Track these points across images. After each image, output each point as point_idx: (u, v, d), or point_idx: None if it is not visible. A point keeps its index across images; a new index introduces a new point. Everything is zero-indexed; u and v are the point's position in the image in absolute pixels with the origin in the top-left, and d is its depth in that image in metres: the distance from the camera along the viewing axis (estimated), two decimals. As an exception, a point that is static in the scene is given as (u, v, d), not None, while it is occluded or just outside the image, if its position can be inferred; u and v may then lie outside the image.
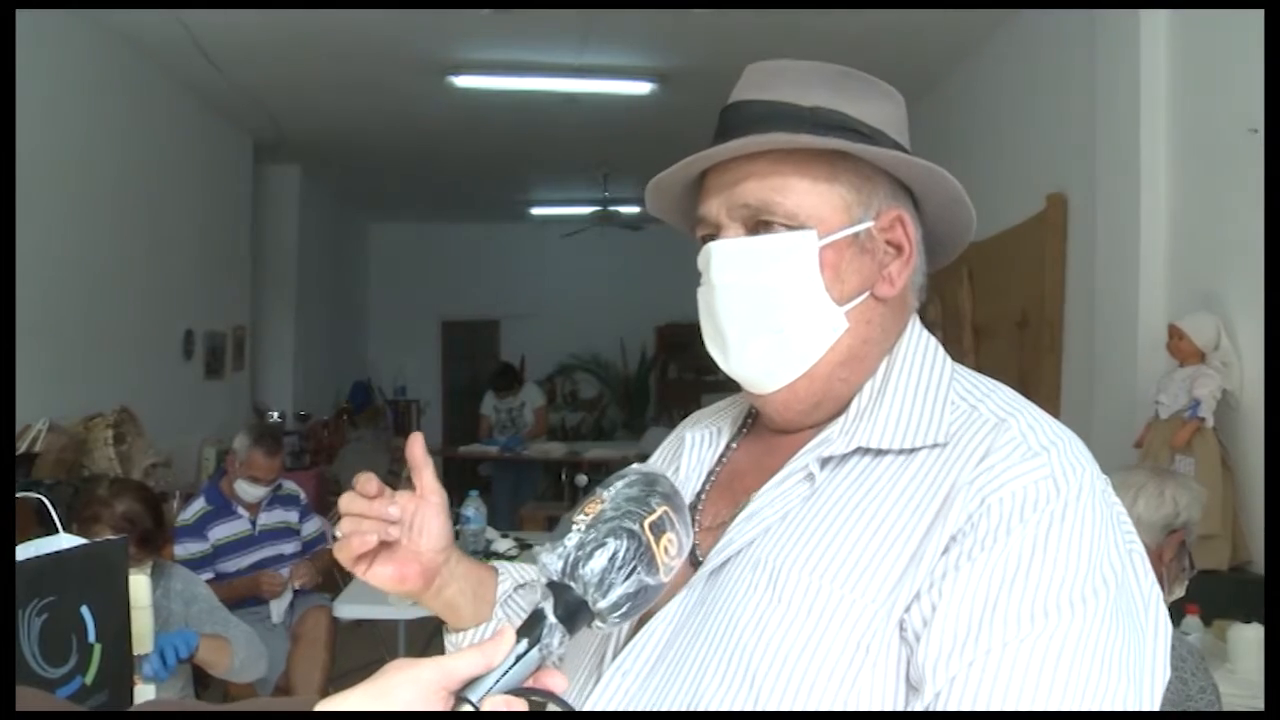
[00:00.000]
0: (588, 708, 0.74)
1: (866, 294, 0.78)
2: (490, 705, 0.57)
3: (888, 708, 0.66)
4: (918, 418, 0.74)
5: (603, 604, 0.63)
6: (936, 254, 0.86)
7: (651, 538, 0.64)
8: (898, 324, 0.81)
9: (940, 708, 0.63)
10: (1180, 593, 1.71)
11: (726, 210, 0.78)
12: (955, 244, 0.86)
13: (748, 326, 0.78)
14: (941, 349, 0.81)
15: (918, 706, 0.64)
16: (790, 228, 0.76)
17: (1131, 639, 0.64)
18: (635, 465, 0.72)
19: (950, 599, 0.64)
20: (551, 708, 0.59)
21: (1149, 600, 0.68)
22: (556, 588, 0.63)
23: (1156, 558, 1.65)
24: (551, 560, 0.63)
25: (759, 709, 0.67)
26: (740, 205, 0.77)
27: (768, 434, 0.84)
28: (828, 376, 0.78)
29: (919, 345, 0.80)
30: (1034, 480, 0.66)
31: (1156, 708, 0.66)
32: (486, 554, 3.23)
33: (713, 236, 0.80)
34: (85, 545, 1.57)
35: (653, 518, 0.65)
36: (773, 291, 0.77)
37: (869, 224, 0.78)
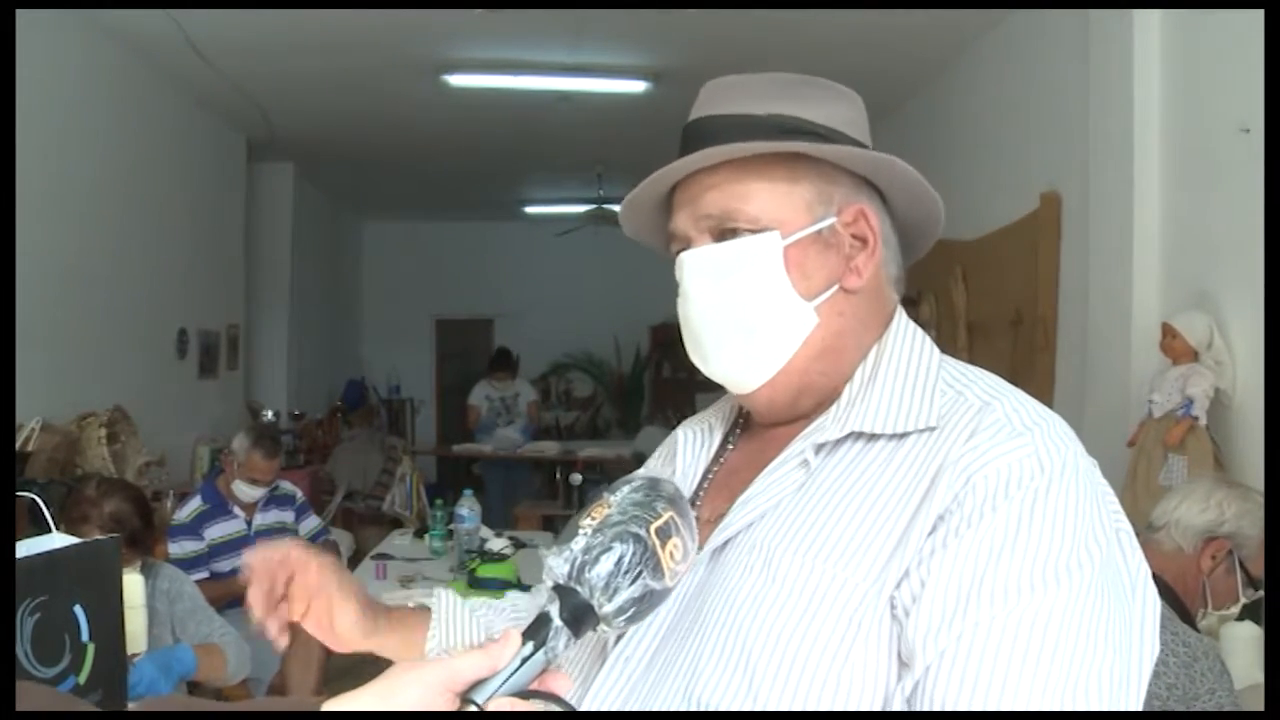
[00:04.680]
0: (591, 695, 0.76)
1: (835, 287, 0.80)
2: (495, 707, 0.58)
3: (880, 683, 0.68)
4: (908, 403, 0.76)
5: (608, 608, 0.63)
6: (912, 247, 0.88)
7: (657, 542, 0.65)
8: (877, 315, 0.83)
9: (931, 681, 0.64)
10: (1235, 609, 1.68)
11: (693, 222, 0.81)
12: (928, 233, 0.88)
13: (722, 329, 0.81)
14: (928, 340, 0.83)
15: (909, 682, 0.66)
16: (754, 231, 0.79)
17: (1117, 612, 0.66)
18: (641, 471, 0.73)
19: (938, 575, 0.66)
20: (557, 709, 0.60)
21: (1135, 576, 0.70)
22: (563, 591, 0.64)
23: (1195, 566, 1.63)
24: (558, 564, 0.64)
25: (754, 688, 0.69)
26: (704, 216, 0.81)
27: (761, 431, 0.86)
28: (804, 370, 0.80)
29: (906, 335, 0.82)
30: (1018, 458, 0.68)
31: (1144, 680, 0.68)
32: (481, 552, 3.22)
33: (685, 249, 0.83)
34: (77, 545, 1.57)
35: (659, 523, 0.66)
36: (742, 293, 0.79)
37: (831, 220, 0.80)
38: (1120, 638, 0.66)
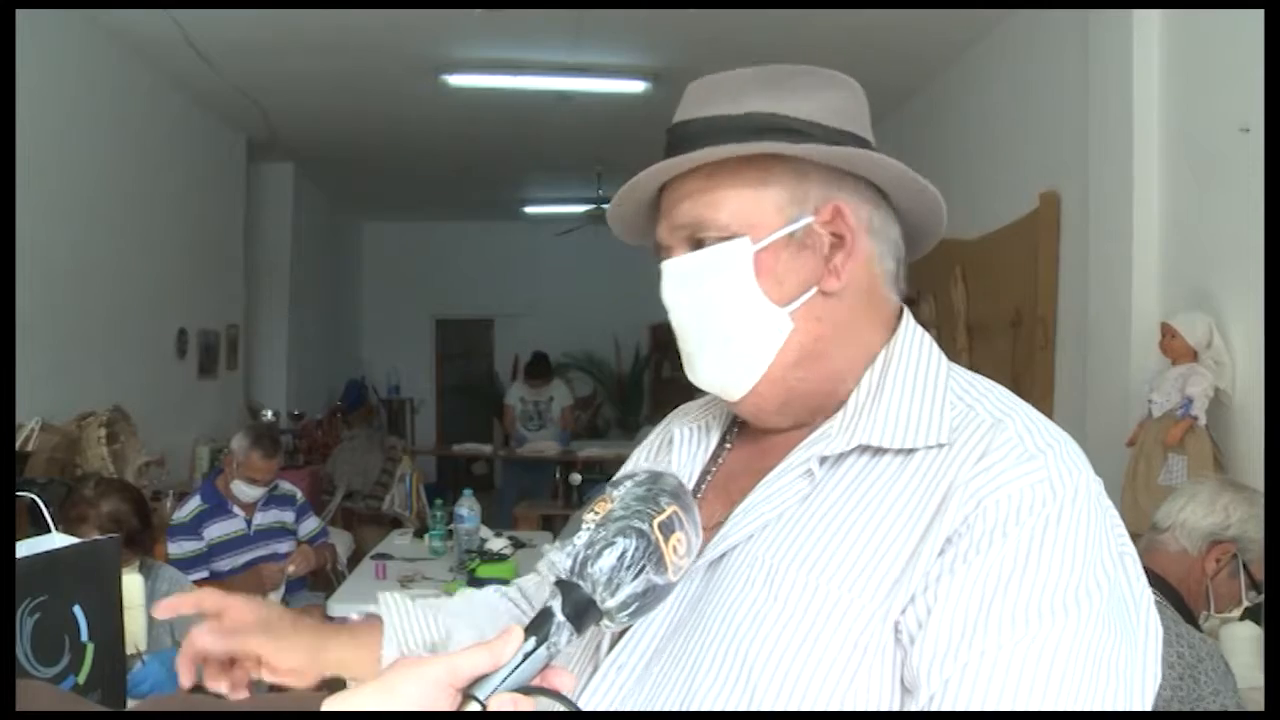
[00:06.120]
0: (583, 702, 0.74)
1: (813, 291, 0.77)
2: (497, 704, 0.57)
3: (884, 708, 0.66)
4: (917, 416, 0.73)
5: (611, 603, 0.63)
6: (918, 243, 0.85)
7: (660, 537, 0.65)
8: (872, 318, 0.80)
9: (936, 709, 0.63)
10: (1237, 612, 1.67)
11: (670, 232, 0.80)
12: (931, 227, 0.85)
13: (701, 339, 0.80)
14: (936, 347, 0.80)
15: (912, 708, 0.65)
16: (724, 239, 0.77)
17: (1123, 642, 0.65)
18: (645, 465, 0.72)
19: (945, 602, 0.65)
20: (559, 707, 0.59)
21: (1140, 603, 0.69)
22: (565, 586, 0.63)
23: (1199, 568, 1.62)
24: (560, 558, 0.64)
25: (754, 705, 0.67)
26: (679, 226, 0.79)
27: (760, 435, 0.84)
28: (783, 378, 0.78)
29: (914, 342, 0.80)
30: (1030, 484, 0.66)
31: (1147, 709, 0.66)
32: (480, 552, 3.22)
33: (667, 258, 0.82)
34: (77, 545, 1.56)
35: (662, 517, 0.65)
36: (715, 303, 0.78)
37: (807, 220, 0.77)
38: (1126, 668, 0.64)
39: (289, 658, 0.84)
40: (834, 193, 0.78)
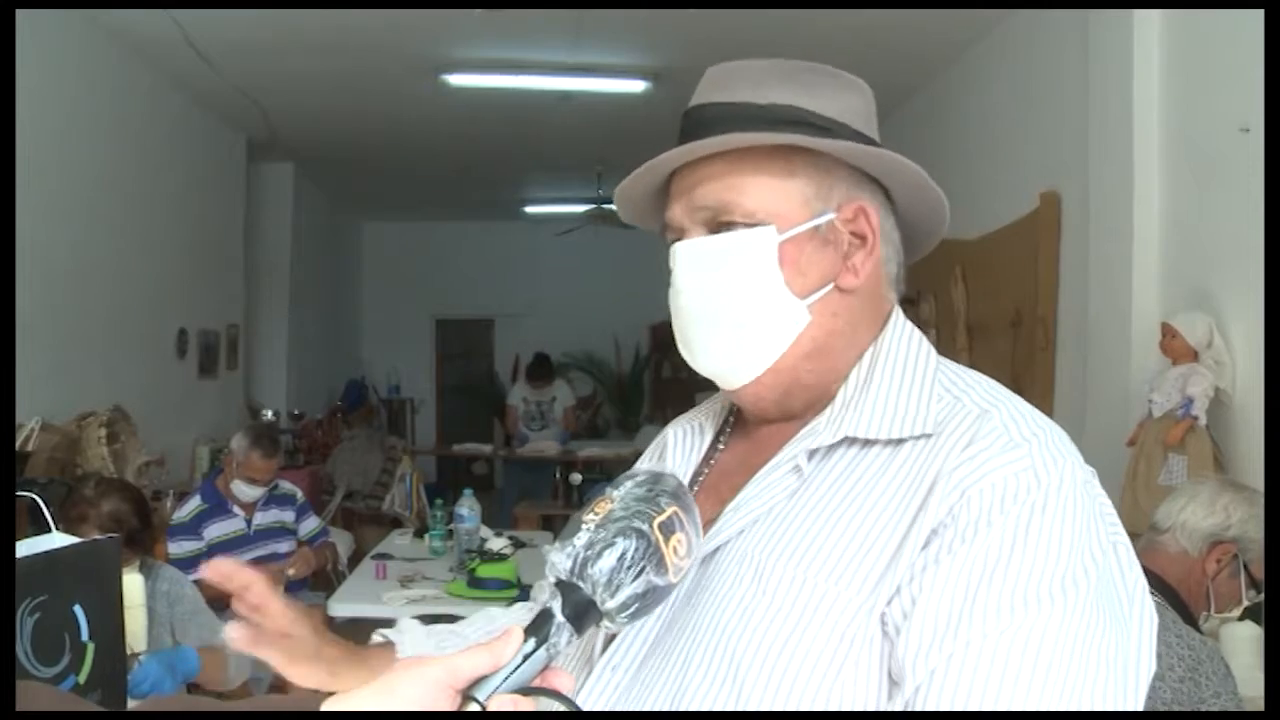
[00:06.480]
0: (579, 702, 0.74)
1: (830, 286, 0.78)
2: (497, 704, 0.57)
3: (871, 701, 0.66)
4: (905, 408, 0.74)
5: (611, 604, 0.63)
6: (916, 245, 0.86)
7: (661, 538, 0.64)
8: (872, 316, 0.81)
9: (920, 701, 0.63)
10: (1237, 612, 1.67)
11: (688, 214, 0.80)
12: (932, 232, 0.86)
13: (712, 323, 0.79)
14: (926, 341, 0.81)
15: (899, 700, 0.64)
16: (749, 225, 0.77)
17: (1113, 630, 0.64)
18: (645, 465, 0.72)
19: (930, 592, 0.65)
20: (559, 707, 0.59)
21: (1132, 593, 0.68)
22: (565, 587, 0.63)
23: (1199, 569, 1.62)
24: (560, 559, 0.63)
25: (742, 702, 0.67)
26: (700, 208, 0.79)
27: (753, 432, 0.84)
28: (793, 369, 0.79)
29: (903, 337, 0.80)
30: (1014, 472, 0.66)
31: (1141, 699, 0.66)
32: (480, 552, 3.22)
33: (680, 239, 0.81)
34: (77, 544, 1.56)
35: (662, 518, 0.65)
36: (734, 288, 0.77)
37: (830, 216, 0.78)
38: (1115, 656, 0.64)
39: (304, 680, 0.86)
40: (856, 193, 0.79)
